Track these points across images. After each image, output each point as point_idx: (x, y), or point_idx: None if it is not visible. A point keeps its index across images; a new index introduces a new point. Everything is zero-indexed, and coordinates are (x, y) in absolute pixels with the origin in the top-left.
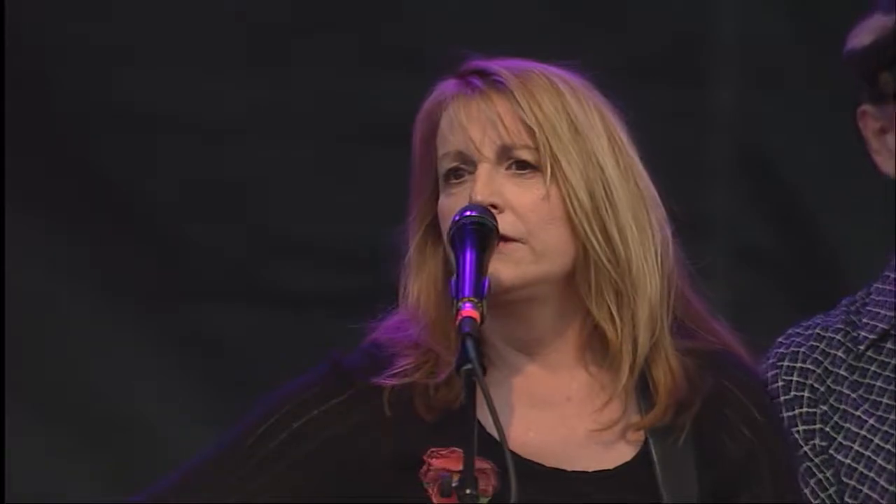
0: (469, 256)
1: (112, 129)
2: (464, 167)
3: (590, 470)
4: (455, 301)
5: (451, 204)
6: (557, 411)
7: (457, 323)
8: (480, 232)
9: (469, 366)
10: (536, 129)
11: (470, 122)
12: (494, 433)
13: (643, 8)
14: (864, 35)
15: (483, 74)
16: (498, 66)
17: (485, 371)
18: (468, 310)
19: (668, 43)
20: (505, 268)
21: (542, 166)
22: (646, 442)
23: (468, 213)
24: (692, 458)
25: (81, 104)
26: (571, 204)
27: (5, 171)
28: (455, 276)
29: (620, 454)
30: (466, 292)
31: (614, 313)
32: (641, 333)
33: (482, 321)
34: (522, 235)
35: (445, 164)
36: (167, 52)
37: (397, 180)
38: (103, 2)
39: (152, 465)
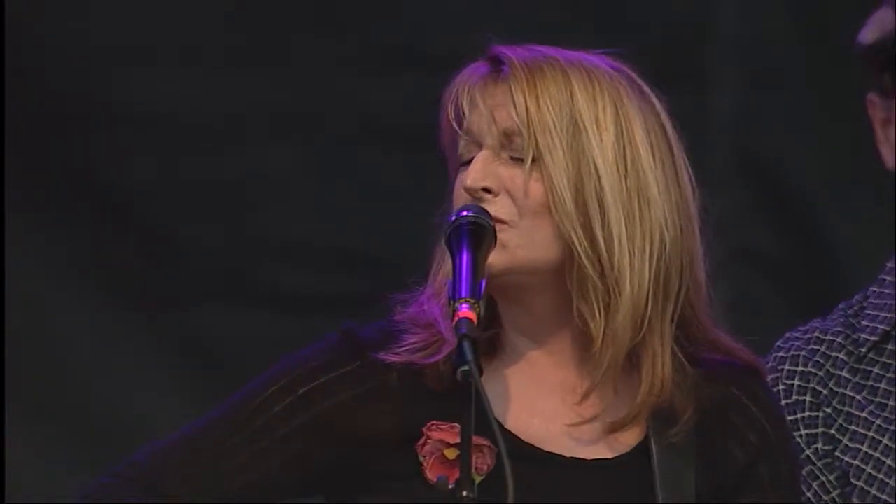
0: (465, 257)
1: (112, 129)
2: (471, 151)
3: (588, 458)
4: (452, 302)
5: (461, 181)
6: (562, 400)
7: (453, 324)
8: (477, 232)
9: (466, 367)
10: (522, 122)
11: (474, 108)
12: (497, 415)
13: (642, 8)
14: (870, 30)
15: (495, 62)
16: (513, 53)
17: (481, 373)
18: (465, 311)
19: (667, 43)
20: (493, 253)
21: (524, 158)
22: (647, 437)
23: (464, 212)
24: (692, 458)
25: (81, 104)
26: (553, 199)
27: (5, 171)
28: (452, 276)
29: (621, 446)
30: (463, 293)
31: (595, 310)
32: (620, 334)
33: (479, 322)
34: (512, 218)
35: (460, 145)
36: (167, 52)
37: (397, 181)
38: (103, 2)
39: None
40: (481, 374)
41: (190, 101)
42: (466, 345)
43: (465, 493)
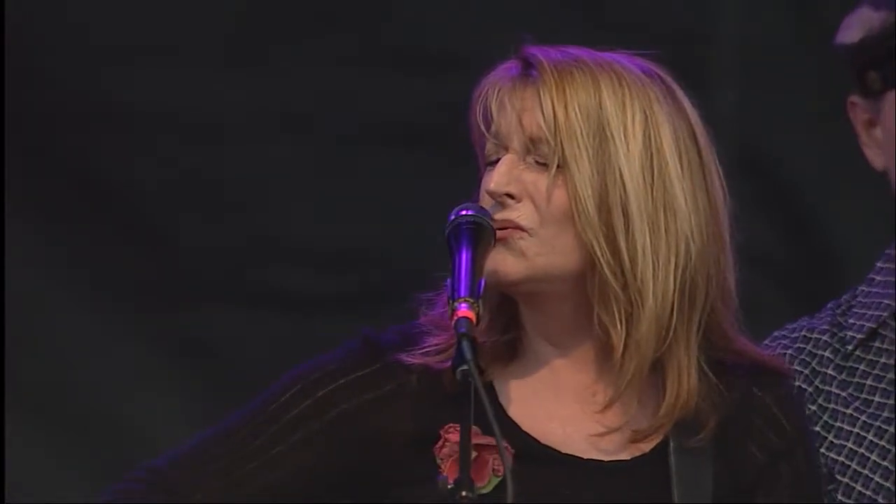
0: (465, 256)
1: (112, 128)
2: (498, 152)
3: (605, 460)
4: (451, 301)
5: (485, 183)
6: (581, 407)
7: (452, 324)
8: (476, 231)
9: (465, 367)
10: (549, 129)
11: (502, 111)
12: (515, 417)
13: (643, 8)
14: (852, 31)
15: (525, 64)
16: (543, 56)
17: (481, 372)
18: (464, 310)
19: (668, 43)
20: (509, 259)
21: (549, 165)
22: (665, 439)
23: (464, 212)
24: (711, 459)
25: (81, 104)
26: (576, 207)
27: (5, 171)
28: (451, 276)
29: (639, 447)
30: (462, 293)
31: (617, 320)
32: (643, 345)
33: (478, 322)
34: (533, 226)
35: (487, 145)
36: (166, 51)
37: (397, 180)
38: (104, 1)
39: None
40: (481, 373)
41: (190, 101)
42: (465, 344)
43: (464, 494)
